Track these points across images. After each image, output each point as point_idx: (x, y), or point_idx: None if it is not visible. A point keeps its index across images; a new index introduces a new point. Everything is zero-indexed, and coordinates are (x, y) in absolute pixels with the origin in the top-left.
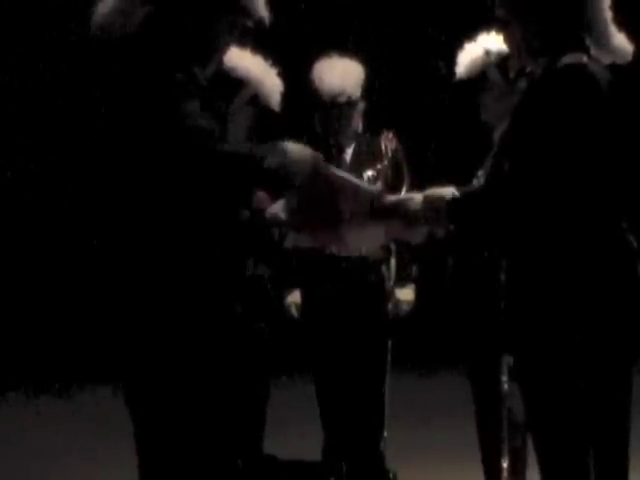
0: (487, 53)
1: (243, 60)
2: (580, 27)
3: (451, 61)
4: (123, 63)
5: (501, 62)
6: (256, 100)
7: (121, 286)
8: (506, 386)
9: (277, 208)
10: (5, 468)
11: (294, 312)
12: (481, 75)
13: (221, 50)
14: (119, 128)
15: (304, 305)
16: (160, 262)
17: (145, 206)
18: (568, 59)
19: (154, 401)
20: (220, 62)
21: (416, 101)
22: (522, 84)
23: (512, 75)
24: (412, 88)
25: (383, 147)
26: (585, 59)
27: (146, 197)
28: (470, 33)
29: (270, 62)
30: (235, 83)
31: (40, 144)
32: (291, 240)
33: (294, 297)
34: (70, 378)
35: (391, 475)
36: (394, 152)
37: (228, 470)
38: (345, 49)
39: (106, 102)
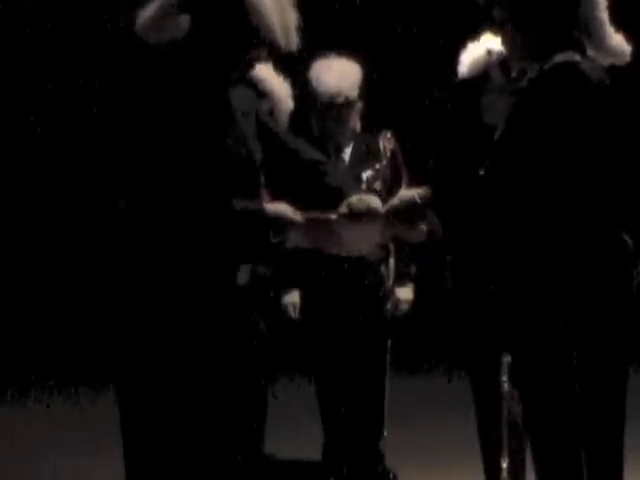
0: (489, 53)
1: (267, 74)
2: (576, 28)
3: (453, 60)
4: (166, 68)
5: (503, 62)
6: (270, 114)
7: (116, 285)
8: (506, 386)
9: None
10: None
11: (292, 312)
12: (483, 75)
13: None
14: (145, 133)
15: (303, 305)
16: (159, 263)
17: (146, 209)
18: (560, 57)
19: (151, 402)
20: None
21: (415, 101)
22: (524, 84)
23: (514, 75)
24: (411, 88)
25: (382, 147)
26: (578, 57)
27: (146, 200)
28: (472, 33)
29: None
30: (259, 94)
31: (43, 144)
32: (291, 241)
33: (293, 297)
34: (64, 378)
35: (391, 475)
36: (392, 152)
37: (228, 469)
38: (343, 49)
39: (137, 105)
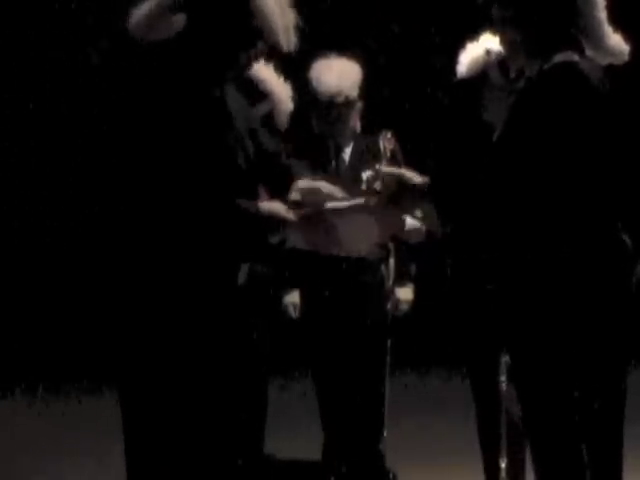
0: (488, 53)
1: (268, 74)
2: (574, 28)
3: (452, 60)
4: (160, 67)
5: (502, 62)
6: (270, 115)
7: (116, 285)
8: (504, 386)
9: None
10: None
11: (292, 312)
12: (482, 75)
13: (240, 71)
14: (141, 133)
15: (304, 305)
16: (159, 262)
17: (146, 208)
18: (559, 57)
19: (151, 401)
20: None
21: (415, 101)
22: (522, 84)
23: (513, 75)
24: (411, 88)
25: (382, 147)
26: (576, 57)
27: (148, 200)
28: (471, 33)
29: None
30: (260, 95)
31: (43, 144)
32: (290, 241)
33: (293, 297)
34: (64, 378)
35: (391, 475)
36: (392, 152)
37: (228, 470)
38: (343, 49)
39: (131, 105)
